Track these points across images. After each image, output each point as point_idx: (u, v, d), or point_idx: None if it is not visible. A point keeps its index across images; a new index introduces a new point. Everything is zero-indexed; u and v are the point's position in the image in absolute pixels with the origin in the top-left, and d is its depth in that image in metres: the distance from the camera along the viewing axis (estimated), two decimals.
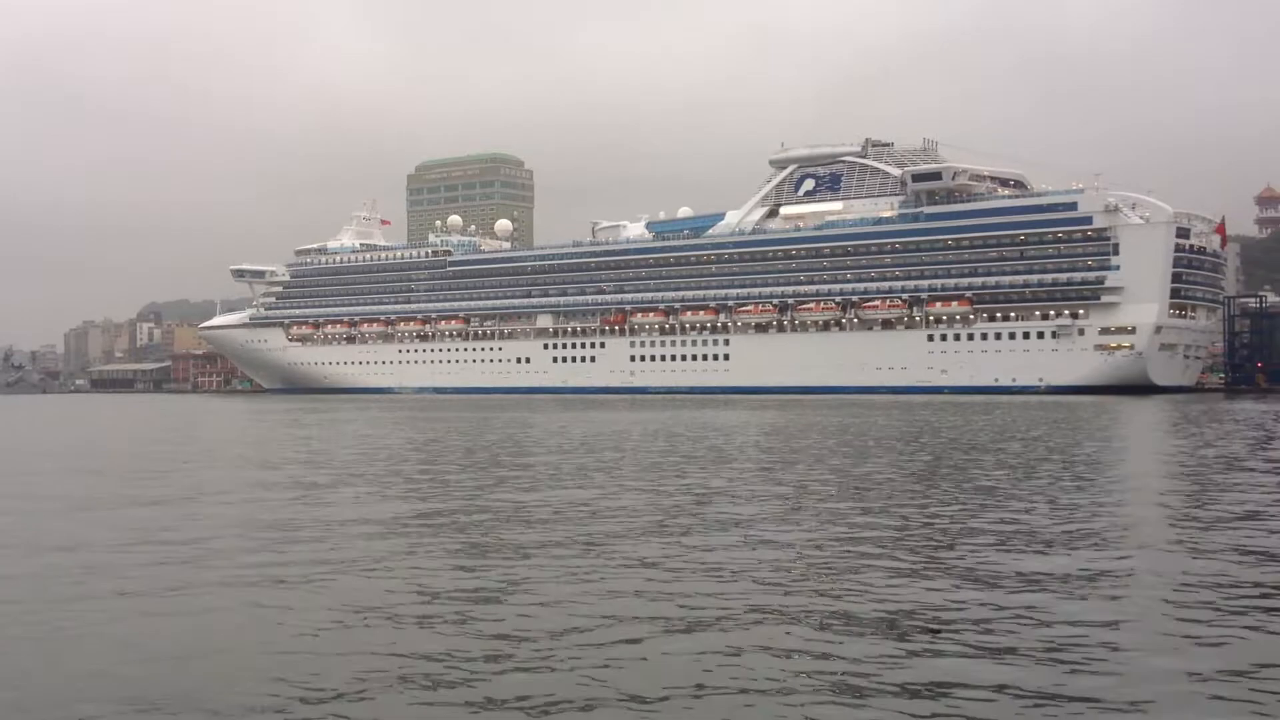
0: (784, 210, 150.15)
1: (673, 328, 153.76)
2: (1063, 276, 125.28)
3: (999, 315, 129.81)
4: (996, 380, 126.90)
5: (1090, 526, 20.31)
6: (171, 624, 13.21)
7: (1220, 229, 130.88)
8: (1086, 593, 14.51)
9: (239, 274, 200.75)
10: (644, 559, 17.09)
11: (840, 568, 16.35)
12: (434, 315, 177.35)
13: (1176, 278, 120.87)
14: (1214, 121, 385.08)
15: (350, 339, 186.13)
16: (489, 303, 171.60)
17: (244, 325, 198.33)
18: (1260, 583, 15.04)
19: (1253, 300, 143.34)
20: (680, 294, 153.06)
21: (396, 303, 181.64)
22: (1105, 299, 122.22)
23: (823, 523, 20.99)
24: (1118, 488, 27.75)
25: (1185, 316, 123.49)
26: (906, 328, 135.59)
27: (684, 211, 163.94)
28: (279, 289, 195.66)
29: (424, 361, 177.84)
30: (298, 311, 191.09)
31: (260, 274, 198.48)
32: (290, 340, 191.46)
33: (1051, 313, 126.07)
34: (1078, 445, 42.16)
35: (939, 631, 12.47)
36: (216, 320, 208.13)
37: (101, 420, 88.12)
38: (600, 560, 17.06)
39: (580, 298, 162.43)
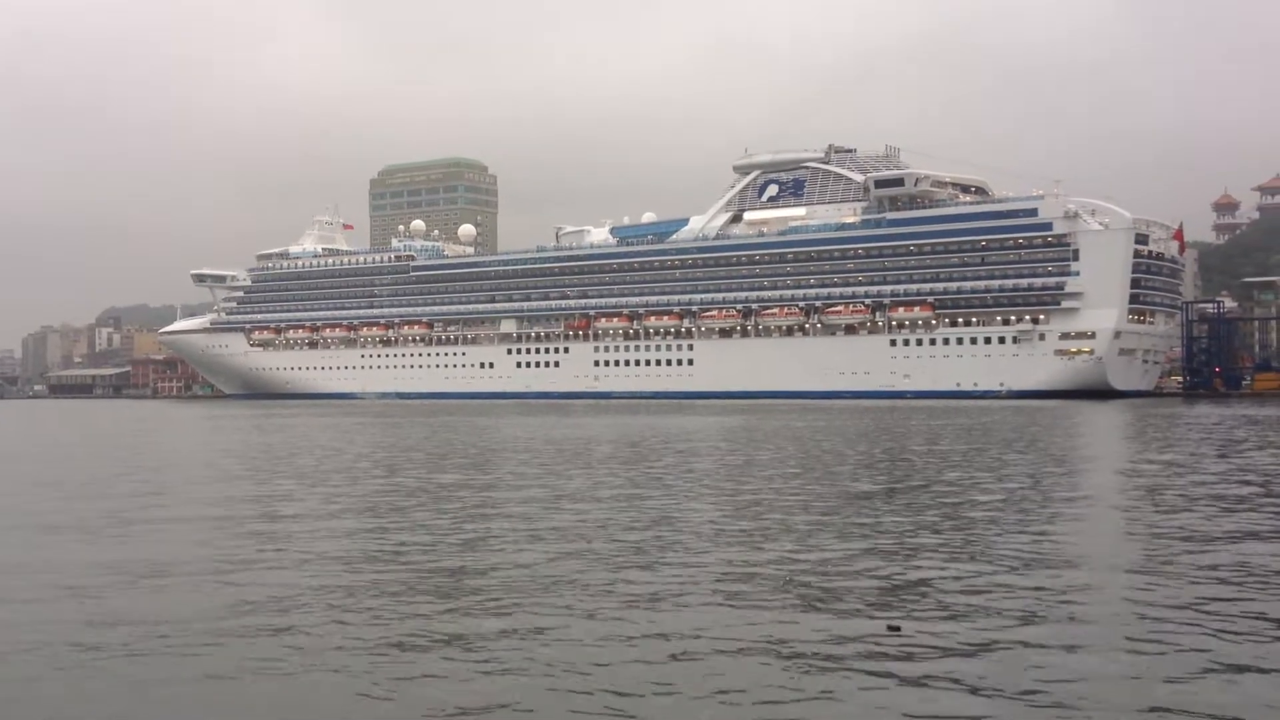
0: (748, 215, 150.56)
1: (637, 333, 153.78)
2: (1023, 282, 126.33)
3: (961, 320, 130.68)
4: (958, 385, 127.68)
5: (1048, 532, 20.43)
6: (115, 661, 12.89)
7: (1178, 235, 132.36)
8: (1045, 601, 14.56)
9: (200, 279, 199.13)
10: (607, 565, 17.03)
11: (801, 572, 16.34)
12: (397, 320, 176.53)
13: (1135, 283, 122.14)
14: (1172, 132, 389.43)
15: (312, 344, 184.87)
16: (452, 308, 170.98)
17: (205, 330, 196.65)
18: (1219, 594, 15.15)
19: (1210, 305, 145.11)
20: (644, 299, 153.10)
21: (359, 308, 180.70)
22: (1065, 304, 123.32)
23: (785, 527, 20.99)
24: (1075, 493, 27.94)
25: (1144, 322, 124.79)
26: (869, 333, 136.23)
27: (648, 216, 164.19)
28: (240, 294, 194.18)
29: (387, 367, 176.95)
30: (259, 316, 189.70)
31: (221, 279, 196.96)
32: (251, 345, 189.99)
33: (1012, 318, 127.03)
34: (1038, 451, 42.43)
35: (899, 629, 12.48)
36: (177, 325, 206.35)
37: (49, 429, 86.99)
38: (571, 578, 16.98)
39: (544, 303, 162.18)
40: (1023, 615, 13.05)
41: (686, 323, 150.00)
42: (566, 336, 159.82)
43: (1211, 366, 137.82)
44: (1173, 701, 9.95)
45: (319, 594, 14.73)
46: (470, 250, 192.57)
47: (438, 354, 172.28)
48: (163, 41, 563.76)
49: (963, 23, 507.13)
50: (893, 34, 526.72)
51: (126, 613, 13.62)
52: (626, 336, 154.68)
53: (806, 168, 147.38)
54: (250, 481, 31.31)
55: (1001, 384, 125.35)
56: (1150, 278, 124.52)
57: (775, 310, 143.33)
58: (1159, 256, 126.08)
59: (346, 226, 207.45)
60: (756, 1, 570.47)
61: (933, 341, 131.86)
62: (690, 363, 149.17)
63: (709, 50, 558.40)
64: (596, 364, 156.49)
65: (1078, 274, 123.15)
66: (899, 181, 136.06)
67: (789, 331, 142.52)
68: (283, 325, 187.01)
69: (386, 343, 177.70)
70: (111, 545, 19.20)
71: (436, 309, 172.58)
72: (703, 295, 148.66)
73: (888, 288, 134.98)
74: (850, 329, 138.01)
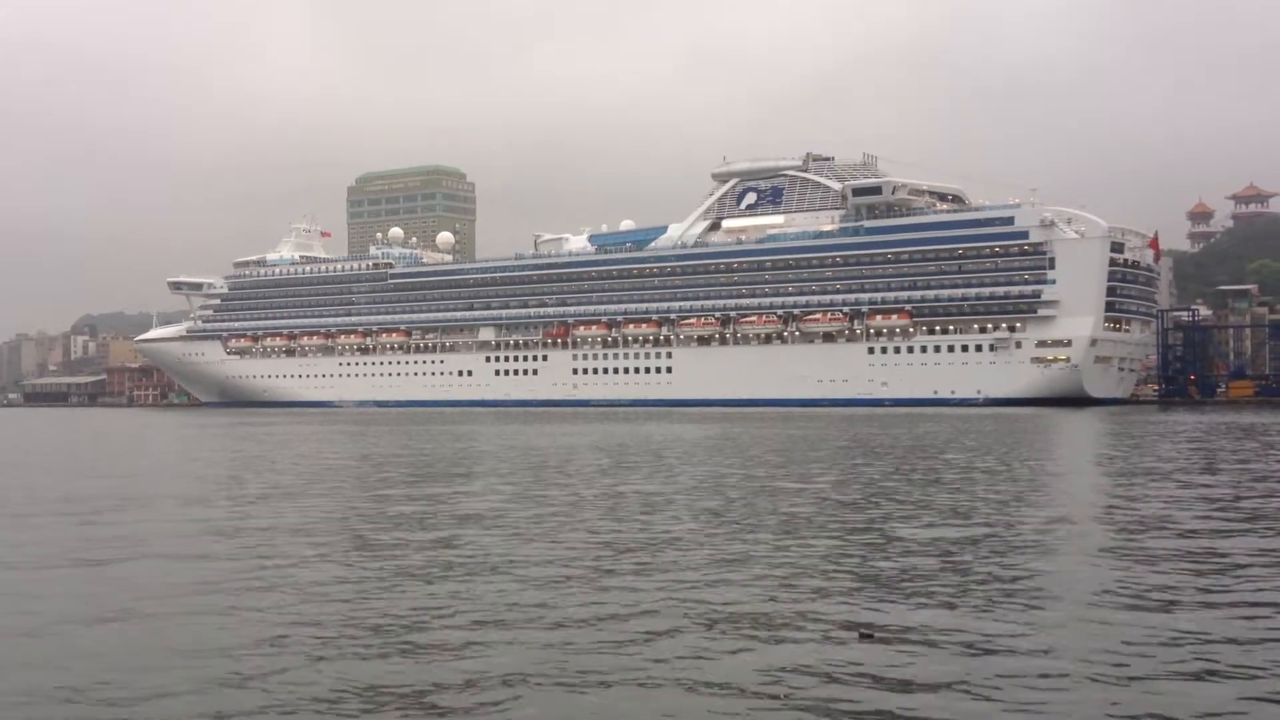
0: (726, 223, 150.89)
1: (615, 340, 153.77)
2: (1000, 290, 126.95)
3: (938, 328, 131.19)
4: (935, 392, 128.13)
5: (1022, 538, 20.49)
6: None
7: (1153, 243, 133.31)
8: (1018, 603, 14.59)
9: (176, 286, 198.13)
10: (582, 573, 17.01)
11: (776, 578, 16.34)
12: (375, 328, 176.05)
13: (1111, 291, 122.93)
14: (1149, 143, 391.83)
15: (290, 352, 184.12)
16: (430, 315, 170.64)
17: (181, 338, 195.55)
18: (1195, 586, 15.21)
19: (1185, 313, 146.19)
20: (622, 307, 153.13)
21: (337, 315, 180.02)
22: (1042, 312, 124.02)
23: (760, 533, 21.00)
24: (1050, 499, 28.05)
25: (1120, 329, 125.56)
26: (847, 341, 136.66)
27: (626, 224, 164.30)
28: (217, 301, 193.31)
29: (365, 375, 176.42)
30: (236, 324, 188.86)
31: (198, 286, 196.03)
32: (228, 353, 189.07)
33: (989, 326, 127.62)
34: (1016, 460, 42.59)
35: (871, 637, 12.49)
36: (153, 333, 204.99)
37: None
38: (549, 589, 16.94)
39: (522, 310, 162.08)
40: (999, 622, 13.08)
41: (665, 331, 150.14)
42: (545, 344, 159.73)
43: (1186, 374, 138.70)
44: None
45: (292, 619, 14.64)
46: (448, 258, 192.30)
47: (416, 362, 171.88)
48: (135, 45, 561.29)
49: (946, 35, 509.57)
50: (876, 45, 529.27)
51: (86, 646, 13.24)
52: (605, 344, 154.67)
53: (785, 176, 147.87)
54: (221, 498, 31.12)
55: (978, 392, 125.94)
56: (1126, 286, 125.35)
57: (753, 318, 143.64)
58: (1134, 265, 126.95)
59: (324, 234, 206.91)
60: (739, 11, 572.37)
61: (910, 349, 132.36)
62: (669, 370, 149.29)
63: (691, 59, 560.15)
64: (575, 372, 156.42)
65: (1054, 282, 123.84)
66: (876, 190, 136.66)
67: (767, 339, 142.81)
68: (260, 333, 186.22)
69: (364, 351, 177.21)
70: (73, 566, 19.05)
71: (414, 317, 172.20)
72: (681, 303, 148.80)
73: (865, 295, 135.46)
74: (828, 337, 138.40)
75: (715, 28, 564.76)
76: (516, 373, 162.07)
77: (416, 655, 11.98)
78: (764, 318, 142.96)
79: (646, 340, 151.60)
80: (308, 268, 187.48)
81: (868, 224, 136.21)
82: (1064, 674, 10.99)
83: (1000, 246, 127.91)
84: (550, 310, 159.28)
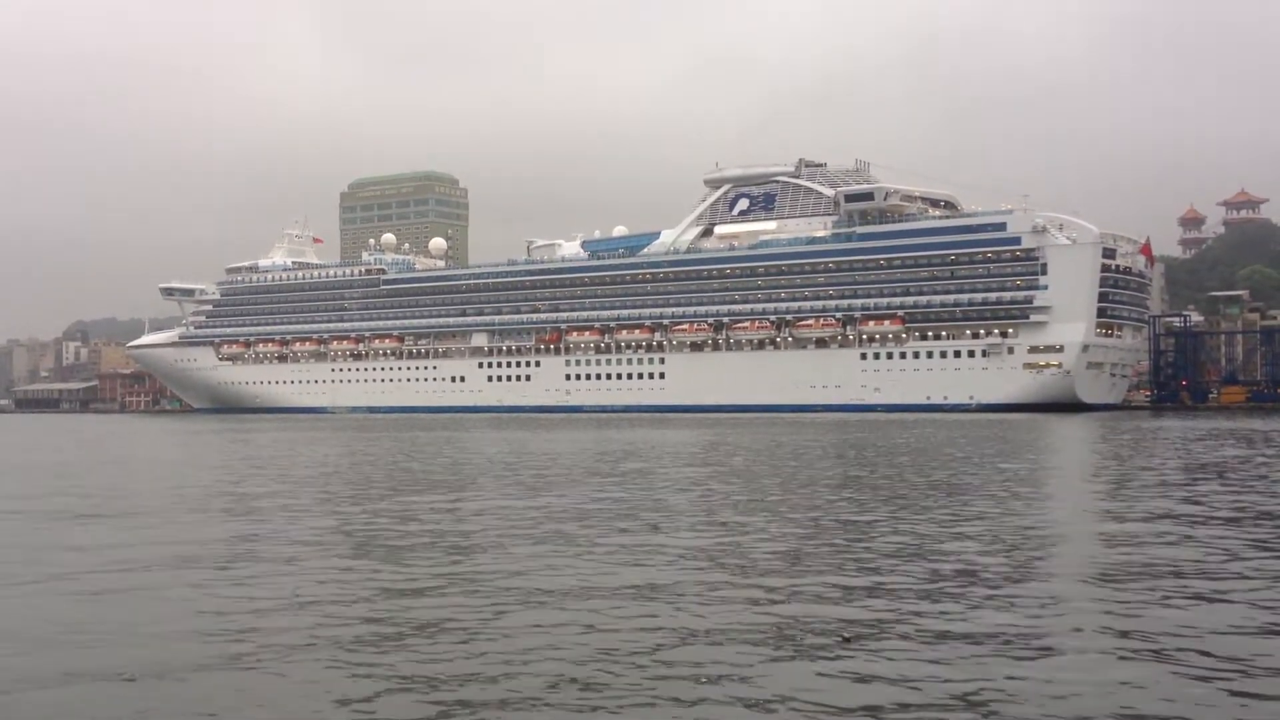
0: (719, 229, 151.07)
1: (608, 346, 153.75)
2: (992, 296, 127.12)
3: (930, 334, 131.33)
4: (928, 398, 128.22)
5: (1015, 551, 20.45)
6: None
7: (1145, 249, 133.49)
8: (1008, 607, 14.55)
9: (168, 292, 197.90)
10: (571, 573, 16.94)
11: (762, 580, 16.28)
12: (368, 334, 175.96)
13: (1103, 297, 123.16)
14: (1140, 149, 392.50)
15: (282, 358, 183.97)
16: (423, 321, 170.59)
17: (173, 344, 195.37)
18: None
19: (1177, 319, 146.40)
20: (615, 313, 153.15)
21: (329, 321, 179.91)
22: (1034, 318, 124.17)
23: (748, 535, 20.94)
24: (1045, 511, 28.02)
25: (1112, 335, 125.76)
26: (840, 346, 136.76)
27: (619, 230, 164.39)
28: (209, 307, 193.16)
29: (358, 380, 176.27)
30: (228, 330, 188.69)
31: (190, 292, 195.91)
32: (221, 359, 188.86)
33: (981, 332, 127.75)
34: (1008, 465, 42.58)
35: (850, 640, 12.43)
36: (145, 339, 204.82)
37: None
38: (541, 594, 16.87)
39: (515, 316, 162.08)
40: (983, 634, 13.03)
41: (658, 336, 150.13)
42: (538, 350, 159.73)
43: (1178, 380, 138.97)
44: None
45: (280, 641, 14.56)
46: (441, 263, 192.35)
47: (409, 368, 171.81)
48: (127, 51, 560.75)
49: (945, 43, 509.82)
50: (875, 52, 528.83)
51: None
52: (598, 350, 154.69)
53: (777, 182, 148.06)
54: (216, 509, 31.01)
55: (971, 397, 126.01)
56: (1118, 291, 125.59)
57: (746, 324, 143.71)
58: (1126, 270, 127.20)
59: (316, 240, 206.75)
60: (738, 19, 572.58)
61: (903, 355, 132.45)
62: (662, 376, 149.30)
63: (690, 66, 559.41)
64: (568, 378, 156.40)
65: (1046, 288, 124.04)
66: (869, 195, 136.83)
67: (760, 345, 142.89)
68: (252, 339, 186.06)
69: (357, 356, 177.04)
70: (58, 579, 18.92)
71: (407, 322, 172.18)
72: (674, 309, 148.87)
73: (858, 301, 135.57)
74: (821, 343, 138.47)
75: (715, 35, 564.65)
76: (509, 378, 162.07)
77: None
78: (757, 324, 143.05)
79: (639, 346, 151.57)
80: (300, 274, 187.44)
81: (860, 230, 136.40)
82: (1052, 678, 10.95)
83: (992, 252, 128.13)
84: (543, 316, 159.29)
